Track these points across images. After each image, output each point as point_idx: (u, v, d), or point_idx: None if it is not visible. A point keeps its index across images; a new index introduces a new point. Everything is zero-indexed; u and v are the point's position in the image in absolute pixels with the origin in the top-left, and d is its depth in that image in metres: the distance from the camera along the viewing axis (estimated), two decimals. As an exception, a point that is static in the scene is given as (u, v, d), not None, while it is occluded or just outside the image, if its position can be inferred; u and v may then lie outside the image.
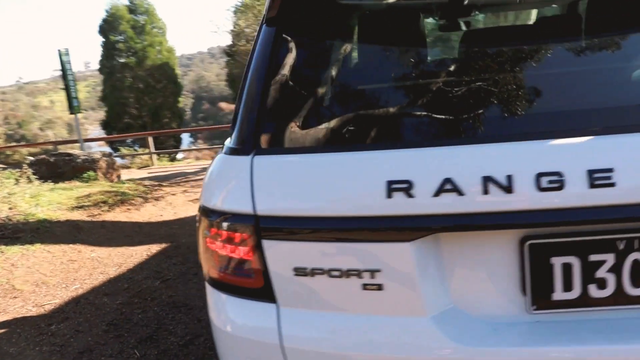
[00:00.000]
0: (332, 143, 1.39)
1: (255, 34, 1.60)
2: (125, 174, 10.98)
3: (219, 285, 1.46)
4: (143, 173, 12.74)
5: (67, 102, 11.46)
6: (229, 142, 1.54)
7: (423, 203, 1.17)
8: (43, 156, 9.08)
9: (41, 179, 7.65)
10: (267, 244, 1.31)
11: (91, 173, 8.64)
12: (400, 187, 1.18)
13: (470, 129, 1.29)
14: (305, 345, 1.33)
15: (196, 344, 3.33)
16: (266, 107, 1.41)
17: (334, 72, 1.54)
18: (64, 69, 11.21)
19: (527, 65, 1.45)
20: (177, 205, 7.20)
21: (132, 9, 27.69)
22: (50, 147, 18.05)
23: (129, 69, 27.18)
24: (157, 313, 3.85)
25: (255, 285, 1.37)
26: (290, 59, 1.48)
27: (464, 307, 1.26)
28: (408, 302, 1.25)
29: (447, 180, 1.15)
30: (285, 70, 1.46)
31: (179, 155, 21.49)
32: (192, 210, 6.96)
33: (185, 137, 41.67)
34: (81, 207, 6.51)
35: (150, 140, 16.17)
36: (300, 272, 1.29)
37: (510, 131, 1.24)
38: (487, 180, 1.14)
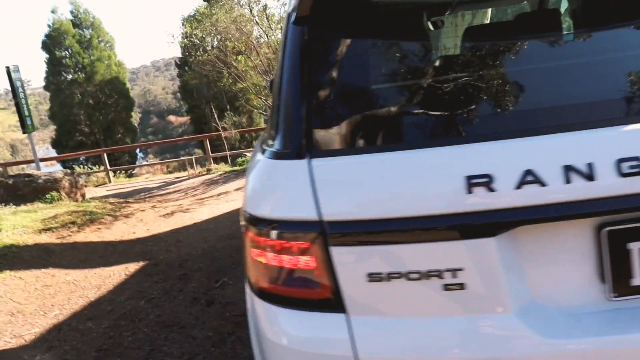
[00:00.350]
0: (398, 141, 1.33)
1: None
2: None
3: (272, 297, 1.37)
4: (102, 191, 12.35)
5: (19, 120, 10.97)
6: (268, 146, 1.47)
7: (505, 196, 1.14)
8: (0, 178, 8.66)
9: (1, 203, 7.29)
10: (336, 251, 1.23)
11: (54, 193, 8.28)
12: (481, 181, 1.14)
13: (549, 118, 1.25)
14: (383, 354, 1.26)
15: (195, 363, 3.20)
16: (315, 109, 1.34)
17: (382, 68, 1.48)
18: (13, 87, 10.72)
19: (595, 50, 1.43)
20: (148, 222, 6.97)
21: (76, 23, 26.92)
22: (-1, 169, 17.29)
23: (77, 85, 26.40)
24: (147, 334, 3.69)
25: (320, 296, 1.29)
26: (331, 56, 1.42)
27: (543, 300, 1.23)
28: (492, 299, 1.21)
29: (529, 172, 1.13)
30: (329, 69, 1.39)
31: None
32: (165, 226, 6.77)
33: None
34: (49, 229, 6.22)
35: (105, 156, 15.73)
36: (374, 277, 1.22)
37: (589, 119, 1.22)
38: (569, 169, 1.12)
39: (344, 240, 1.23)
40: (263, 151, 1.60)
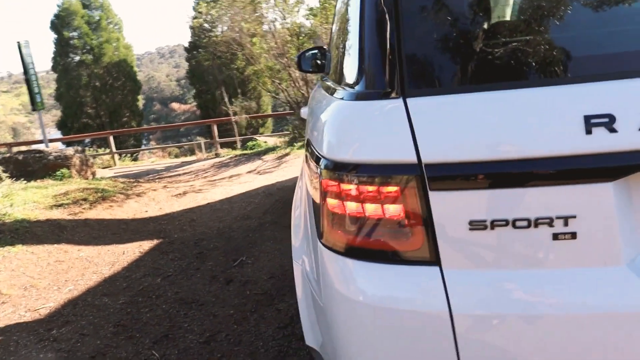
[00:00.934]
0: (507, 79, 1.20)
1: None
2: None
3: (353, 252, 1.25)
4: (109, 173, 12.25)
5: (29, 97, 10.83)
6: (342, 88, 1.34)
7: (628, 138, 1.04)
8: (9, 154, 8.54)
9: (11, 178, 7.18)
10: (435, 196, 1.12)
11: (64, 170, 8.16)
12: (601, 121, 1.04)
13: None
14: (481, 310, 1.14)
15: (218, 340, 3.09)
16: (407, 46, 1.22)
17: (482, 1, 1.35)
18: (24, 63, 10.57)
19: None
20: (160, 201, 6.86)
21: (86, 4, 26.65)
22: (3, 149, 17.18)
23: (85, 67, 26.20)
24: (166, 311, 3.59)
25: (411, 247, 1.18)
26: None
27: None
28: (604, 250, 1.11)
29: None
30: (420, 7, 1.27)
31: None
32: (178, 205, 6.65)
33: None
34: (60, 205, 6.10)
35: (112, 139, 15.62)
36: (477, 225, 1.12)
37: None
38: None
39: (445, 185, 1.12)
40: (331, 92, 1.48)
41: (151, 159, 18.55)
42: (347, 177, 1.20)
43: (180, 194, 7.30)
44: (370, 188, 1.18)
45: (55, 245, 5.04)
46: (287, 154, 10.66)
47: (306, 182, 1.84)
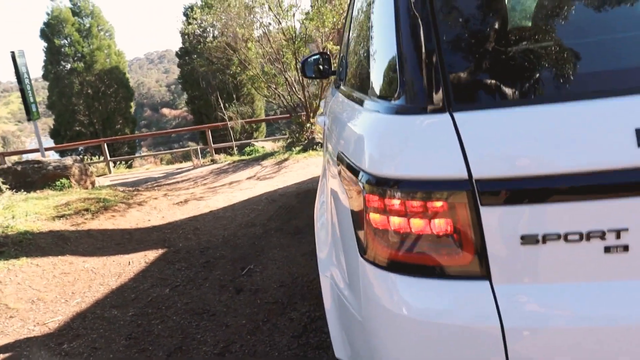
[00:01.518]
0: (556, 93, 1.19)
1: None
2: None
3: (399, 267, 1.24)
4: (105, 181, 12.18)
5: (24, 107, 10.75)
6: (379, 101, 1.33)
7: None
8: (8, 165, 8.46)
9: (10, 189, 7.12)
10: (486, 212, 1.12)
11: (64, 180, 8.10)
12: None
13: None
14: (533, 324, 1.14)
15: (233, 351, 3.07)
16: (452, 57, 1.22)
17: (531, 8, 1.34)
18: (18, 73, 10.48)
19: None
20: (162, 209, 6.81)
21: (76, 12, 26.51)
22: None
23: (76, 74, 26.06)
24: (177, 322, 3.56)
25: (461, 262, 1.17)
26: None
27: None
28: None
29: None
30: (461, 17, 1.26)
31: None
32: (181, 214, 6.62)
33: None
34: (62, 216, 6.05)
35: (105, 147, 15.53)
36: (528, 240, 1.11)
37: None
38: None
39: (496, 200, 1.11)
40: (359, 102, 1.46)
41: (145, 166, 18.47)
42: (392, 193, 1.19)
43: (181, 202, 7.26)
44: (417, 203, 1.17)
45: (60, 257, 4.99)
46: (286, 159, 10.63)
47: (333, 190, 1.82)
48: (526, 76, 1.23)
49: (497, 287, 1.16)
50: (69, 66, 26.46)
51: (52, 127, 27.06)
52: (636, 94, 1.10)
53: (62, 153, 22.42)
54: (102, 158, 16.16)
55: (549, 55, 1.24)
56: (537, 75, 1.22)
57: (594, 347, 1.13)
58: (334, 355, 1.80)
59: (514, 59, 1.25)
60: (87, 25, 26.58)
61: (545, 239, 1.11)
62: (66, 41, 26.20)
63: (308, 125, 11.83)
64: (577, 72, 1.20)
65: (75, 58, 26.24)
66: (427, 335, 1.21)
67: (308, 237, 4.82)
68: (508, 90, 1.21)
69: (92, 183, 9.09)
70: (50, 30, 26.09)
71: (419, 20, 1.26)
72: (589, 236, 1.10)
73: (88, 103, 26.15)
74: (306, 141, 11.51)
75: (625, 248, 1.10)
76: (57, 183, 8.06)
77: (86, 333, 3.54)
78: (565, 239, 1.11)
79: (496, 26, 1.29)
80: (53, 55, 26.20)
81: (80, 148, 24.20)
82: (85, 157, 17.70)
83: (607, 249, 1.10)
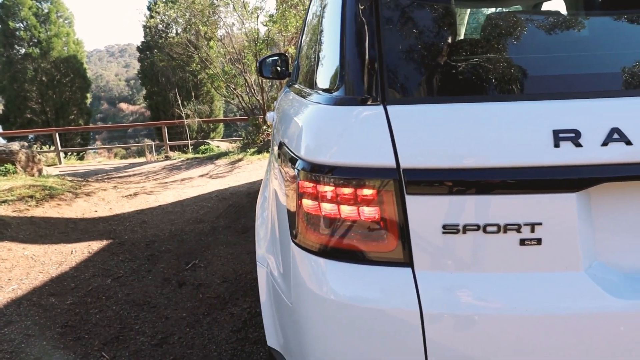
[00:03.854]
0: (484, 92, 1.29)
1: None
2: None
3: (327, 252, 1.29)
4: (54, 171, 11.85)
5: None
6: (319, 93, 1.39)
7: (591, 152, 1.14)
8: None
9: (-50, 173, 6.88)
10: (411, 200, 1.18)
11: (9, 166, 7.86)
12: (569, 136, 1.13)
13: (635, 80, 1.25)
14: (450, 310, 1.21)
15: (170, 343, 3.07)
16: (389, 54, 1.29)
17: (465, 14, 1.44)
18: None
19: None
20: (110, 201, 6.70)
21: (34, -5, 25.72)
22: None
23: (31, 60, 25.22)
24: (117, 312, 3.53)
25: (385, 249, 1.23)
26: (401, 6, 1.37)
27: (607, 261, 1.23)
28: (566, 256, 1.20)
29: (615, 130, 1.14)
30: (403, 13, 1.33)
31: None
32: (129, 206, 6.52)
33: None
34: (4, 201, 5.87)
35: (57, 136, 15.12)
36: (449, 229, 1.19)
37: None
38: None
39: (421, 189, 1.18)
40: (305, 96, 1.52)
41: (98, 159, 18.07)
42: (324, 179, 1.24)
43: (131, 195, 7.16)
44: (348, 190, 1.22)
45: (-2, 242, 4.85)
46: (240, 160, 10.61)
47: (274, 184, 1.87)
48: (455, 76, 1.31)
49: (419, 274, 1.22)
50: (23, 51, 25.58)
51: (1, 112, 26.09)
52: (555, 99, 1.20)
53: (11, 140, 21.63)
54: (52, 148, 15.72)
55: (477, 60, 1.33)
56: (466, 76, 1.30)
57: (507, 335, 1.21)
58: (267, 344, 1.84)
59: (445, 60, 1.33)
60: (46, 10, 25.77)
61: (465, 229, 1.19)
62: (22, 25, 25.33)
63: (264, 127, 11.85)
64: (502, 75, 1.30)
65: (31, 43, 25.39)
66: (352, 319, 1.27)
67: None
68: (438, 88, 1.30)
69: (40, 171, 8.84)
70: (5, 12, 25.14)
71: (363, 21, 1.34)
72: (506, 228, 1.18)
73: (41, 90, 25.32)
74: (262, 143, 11.52)
75: (539, 241, 1.18)
76: (2, 168, 7.81)
77: (20, 320, 3.46)
78: (484, 230, 1.18)
79: (431, 31, 1.37)
80: (7, 38, 25.24)
81: (31, 136, 23.38)
82: (35, 146, 17.18)
83: (522, 242, 1.19)
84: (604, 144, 1.13)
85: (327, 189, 1.25)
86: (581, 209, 1.18)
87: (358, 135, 1.24)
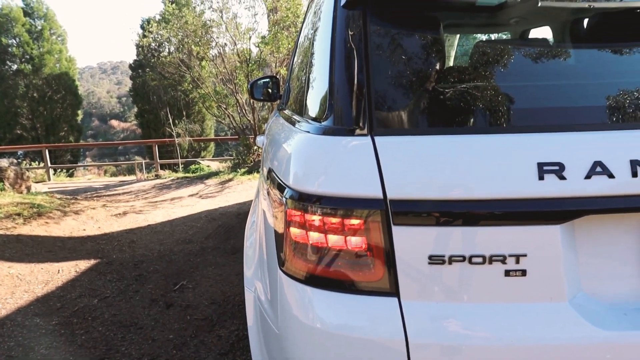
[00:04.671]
0: (468, 125, 1.31)
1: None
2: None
3: (314, 280, 1.30)
4: (43, 188, 11.77)
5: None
6: (309, 122, 1.41)
7: (575, 185, 1.16)
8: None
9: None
10: (398, 231, 1.20)
11: (-3, 183, 7.84)
12: (553, 169, 1.16)
13: (618, 115, 1.28)
14: (436, 340, 1.22)
15: (156, 366, 3.04)
16: (377, 86, 1.32)
17: (449, 49, 1.47)
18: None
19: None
20: (99, 220, 6.67)
21: (28, 12, 25.70)
22: None
23: (23, 76, 25.17)
24: (103, 334, 3.49)
25: (372, 278, 1.24)
26: (394, 31, 1.40)
27: (591, 292, 1.25)
28: (550, 287, 1.21)
29: (598, 163, 1.16)
30: (391, 48, 1.37)
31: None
32: (118, 226, 6.49)
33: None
34: (-9, 219, 5.84)
35: (47, 153, 15.06)
36: (435, 260, 1.20)
37: None
38: (636, 163, 1.17)
39: (408, 220, 1.20)
40: (293, 123, 1.53)
41: (87, 176, 17.98)
42: (312, 208, 1.26)
43: (120, 214, 7.13)
44: (335, 220, 1.23)
45: (-16, 261, 4.81)
46: (230, 180, 10.61)
47: (264, 209, 1.88)
48: (442, 108, 1.34)
49: (405, 303, 1.23)
50: (15, 67, 25.54)
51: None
52: (540, 132, 1.23)
53: (0, 156, 21.51)
54: (42, 164, 15.63)
55: (465, 92, 1.35)
56: (453, 108, 1.33)
57: None
58: None
59: (433, 93, 1.36)
60: (39, 27, 25.78)
61: (451, 260, 1.20)
62: (14, 41, 25.31)
63: (255, 147, 11.88)
64: (488, 107, 1.32)
65: (23, 59, 25.35)
66: (338, 347, 1.27)
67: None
68: (425, 120, 1.32)
69: (28, 188, 8.79)
70: (-2, 28, 25.18)
71: (353, 51, 1.36)
72: (491, 259, 1.19)
73: (32, 107, 25.23)
74: (252, 163, 11.54)
75: (524, 272, 1.20)
76: (-10, 185, 7.78)
77: (2, 341, 3.42)
78: (470, 261, 1.20)
79: (420, 64, 1.40)
80: (-1, 54, 25.26)
81: (20, 152, 23.27)
82: (25, 162, 17.07)
83: (508, 273, 1.20)
84: (587, 176, 1.16)
85: (315, 218, 1.26)
86: (565, 240, 1.19)
87: (346, 165, 1.25)
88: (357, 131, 1.28)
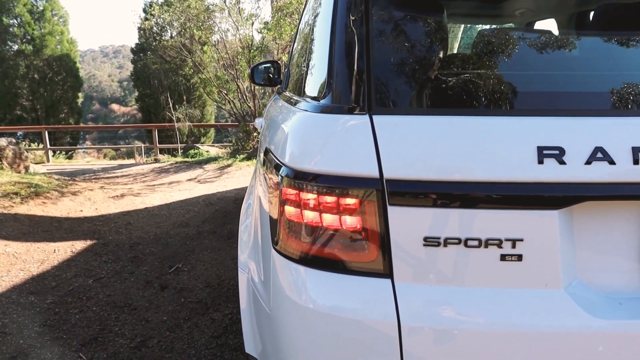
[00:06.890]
0: (471, 106, 1.29)
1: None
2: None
3: (307, 260, 1.29)
4: (42, 169, 11.76)
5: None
6: (307, 101, 1.40)
7: (575, 170, 1.15)
8: None
9: None
10: (393, 211, 1.18)
11: (-5, 162, 7.82)
12: (553, 153, 1.14)
13: (621, 101, 1.26)
14: (428, 323, 1.21)
15: (149, 346, 3.05)
16: (377, 65, 1.30)
17: (451, 37, 1.45)
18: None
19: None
20: (97, 201, 6.66)
21: (29, -8, 25.60)
22: None
23: (23, 57, 25.05)
24: (97, 313, 3.50)
25: (365, 259, 1.23)
26: (390, 17, 1.38)
27: (587, 280, 1.24)
28: (546, 273, 1.20)
29: (599, 149, 1.14)
30: (393, 28, 1.35)
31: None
32: (115, 207, 6.49)
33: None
34: (-12, 198, 5.83)
35: (46, 134, 15.02)
36: (430, 242, 1.18)
37: None
38: (637, 150, 1.14)
39: (403, 201, 1.18)
40: (293, 103, 1.52)
41: (86, 159, 17.96)
42: (307, 186, 1.24)
43: (118, 196, 7.12)
44: (330, 199, 1.22)
45: (-20, 238, 4.81)
46: (229, 165, 10.60)
47: (259, 190, 1.87)
48: (443, 89, 1.32)
49: (399, 285, 1.22)
50: (16, 47, 25.41)
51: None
52: (541, 115, 1.21)
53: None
54: (41, 146, 15.60)
55: (465, 74, 1.34)
56: (453, 89, 1.32)
57: (485, 351, 1.21)
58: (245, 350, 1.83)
59: (433, 73, 1.34)
60: (41, 7, 25.61)
61: (446, 242, 1.19)
62: (15, 21, 25.17)
63: (255, 134, 11.86)
64: (489, 89, 1.30)
65: (24, 40, 25.23)
66: (330, 328, 1.26)
67: (240, 242, 4.83)
68: (424, 100, 1.30)
69: (26, 168, 8.78)
70: (-1, 7, 25.03)
71: (354, 30, 1.35)
72: (487, 243, 1.18)
73: (33, 88, 25.14)
74: (251, 149, 11.52)
75: (520, 257, 1.19)
76: (-12, 164, 7.77)
77: (-3, 317, 3.43)
78: (465, 244, 1.18)
79: (421, 44, 1.38)
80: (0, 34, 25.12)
81: (19, 133, 23.26)
82: (24, 143, 17.03)
83: (503, 257, 1.19)
84: (588, 162, 1.15)
85: (310, 197, 1.25)
86: (563, 226, 1.18)
87: (343, 144, 1.24)
88: (356, 109, 1.26)
